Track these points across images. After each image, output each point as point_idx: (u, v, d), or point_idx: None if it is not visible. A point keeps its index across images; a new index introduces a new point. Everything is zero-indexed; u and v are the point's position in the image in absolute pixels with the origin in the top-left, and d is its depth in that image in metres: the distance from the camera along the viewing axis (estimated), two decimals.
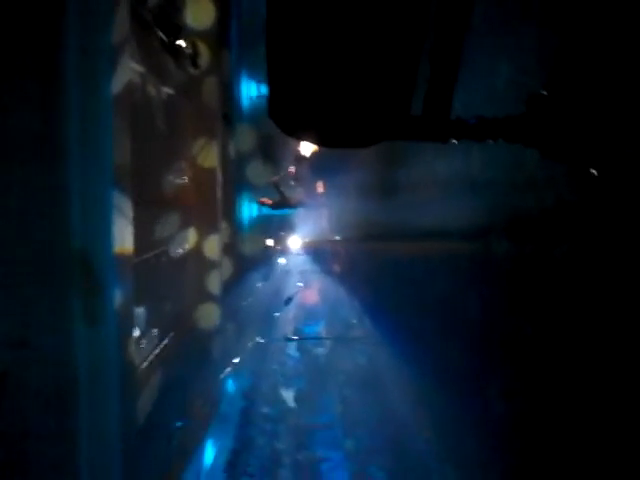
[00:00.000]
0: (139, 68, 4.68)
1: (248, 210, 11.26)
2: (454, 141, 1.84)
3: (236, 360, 6.93)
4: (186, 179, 6.54)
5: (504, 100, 2.82)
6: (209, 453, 6.00)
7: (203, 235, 6.92)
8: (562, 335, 2.40)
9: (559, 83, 2.12)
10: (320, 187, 13.26)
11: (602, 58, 2.02)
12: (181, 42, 5.57)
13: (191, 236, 6.70)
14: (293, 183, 13.50)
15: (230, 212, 8.56)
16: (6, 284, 2.84)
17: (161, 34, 5.10)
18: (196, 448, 5.55)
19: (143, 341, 4.67)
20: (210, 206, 7.08)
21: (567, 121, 1.86)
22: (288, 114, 1.70)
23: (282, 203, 12.54)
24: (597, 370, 2.15)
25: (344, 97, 1.64)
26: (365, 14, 1.58)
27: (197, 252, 6.86)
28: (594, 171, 1.90)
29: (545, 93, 1.90)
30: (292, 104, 1.68)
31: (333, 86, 1.62)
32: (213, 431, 6.22)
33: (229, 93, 8.56)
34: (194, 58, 6.14)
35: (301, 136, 2.05)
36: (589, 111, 1.90)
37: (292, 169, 13.28)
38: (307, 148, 12.11)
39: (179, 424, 5.22)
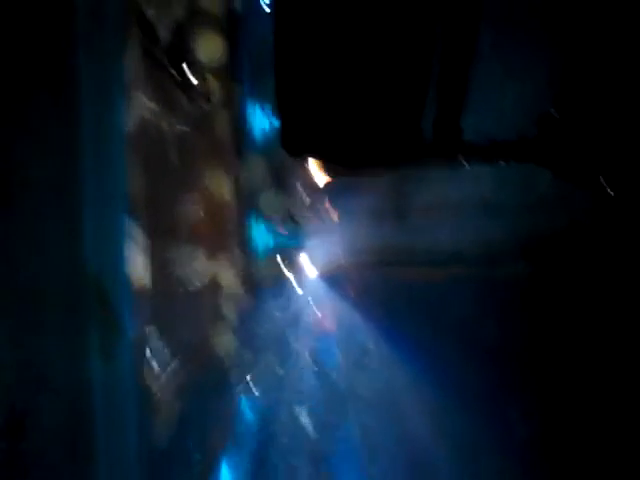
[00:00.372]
0: (151, 104, 4.75)
1: (263, 239, 11.29)
2: (465, 163, 1.84)
3: (253, 388, 6.88)
4: (200, 210, 6.58)
5: (514, 122, 2.83)
6: (225, 476, 5.94)
7: (218, 264, 6.93)
8: (581, 356, 2.37)
9: (569, 103, 2.13)
10: (334, 215, 13.28)
11: (611, 78, 2.02)
12: (192, 78, 5.65)
13: (206, 265, 6.71)
14: (307, 211, 13.53)
15: (245, 241, 8.59)
16: (23, 320, 2.85)
17: (173, 70, 5.19)
18: (213, 475, 5.50)
19: (159, 370, 4.65)
20: (225, 236, 7.11)
21: (578, 141, 1.87)
22: (299, 143, 1.72)
23: (297, 232, 12.57)
24: (614, 390, 2.12)
25: (355, 123, 1.66)
26: (374, 41, 1.60)
27: (213, 282, 6.86)
28: (610, 190, 1.89)
29: (555, 114, 1.91)
30: (303, 132, 1.70)
31: (344, 112, 1.64)
32: (230, 458, 6.17)
33: (241, 126, 8.66)
34: (206, 93, 6.23)
35: (313, 164, 2.07)
36: (600, 130, 1.90)
37: (306, 197, 13.33)
38: (321, 177, 12.15)
39: (197, 456, 5.18)
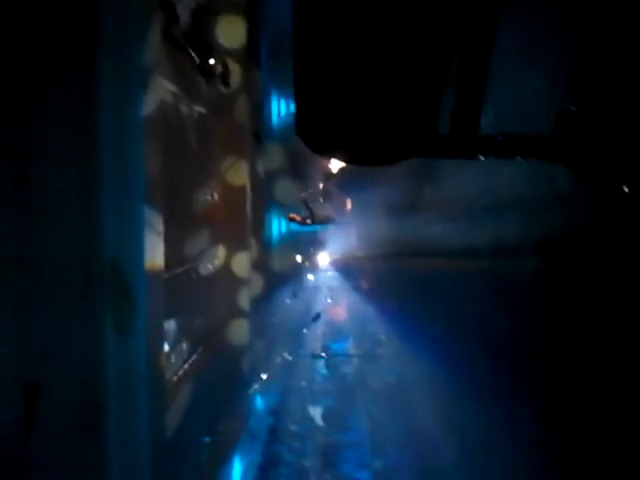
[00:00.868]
0: (171, 87, 4.77)
1: (277, 226, 11.32)
2: (481, 158, 1.84)
3: (264, 376, 6.93)
4: (216, 196, 6.61)
5: (533, 116, 2.81)
6: (237, 469, 6.00)
7: (232, 251, 6.96)
8: (594, 354, 2.37)
9: (589, 99, 2.11)
10: (348, 204, 13.28)
11: (634, 71, 2.00)
12: (212, 61, 5.65)
13: (220, 252, 6.75)
14: (322, 200, 13.54)
15: (259, 228, 8.61)
16: (38, 297, 2.89)
17: (193, 53, 5.19)
18: (224, 464, 5.55)
19: (172, 355, 4.70)
20: (239, 222, 7.14)
21: (598, 138, 1.85)
22: (315, 132, 1.72)
23: (311, 220, 12.58)
24: (629, 389, 2.11)
25: (371, 114, 1.66)
26: (392, 31, 1.59)
27: (226, 268, 6.90)
28: (626, 188, 1.88)
29: (575, 109, 1.89)
30: (319, 122, 1.70)
31: (360, 103, 1.64)
32: (241, 447, 6.22)
33: (259, 111, 8.65)
34: (225, 77, 6.23)
35: (328, 154, 2.07)
36: (621, 127, 1.88)
37: (321, 186, 13.34)
38: (335, 165, 12.15)
39: (207, 439, 5.23)
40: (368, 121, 1.65)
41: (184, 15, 4.94)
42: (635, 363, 2.09)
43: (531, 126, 1.91)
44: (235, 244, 7.01)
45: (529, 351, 3.17)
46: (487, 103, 1.80)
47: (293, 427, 7.73)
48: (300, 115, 1.73)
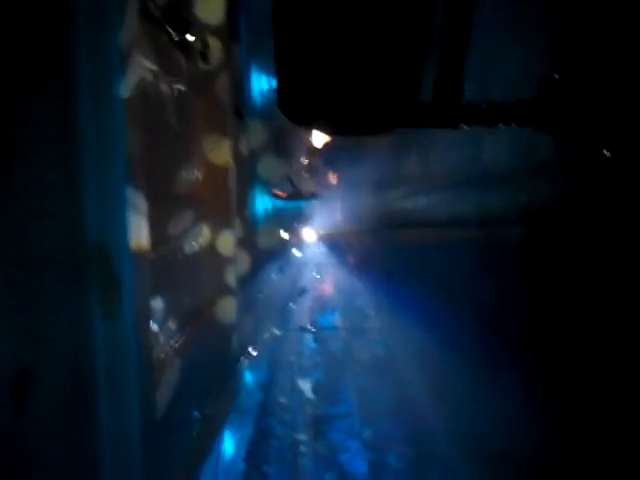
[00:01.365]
0: (150, 65, 4.69)
1: (262, 203, 11.28)
2: (465, 127, 1.83)
3: (253, 351, 6.97)
4: (199, 174, 6.56)
5: (515, 84, 2.80)
6: (229, 443, 6.06)
7: (217, 229, 6.94)
8: (579, 325, 2.39)
9: (571, 66, 2.10)
10: (333, 178, 13.25)
11: (615, 39, 2.00)
12: (191, 37, 5.57)
13: (205, 230, 6.73)
14: (306, 175, 13.51)
15: (244, 205, 8.58)
16: (23, 280, 2.87)
17: (170, 30, 5.11)
18: (216, 439, 5.60)
19: (160, 334, 4.71)
20: (224, 200, 7.10)
21: (580, 104, 1.85)
22: (297, 104, 1.71)
23: (296, 195, 12.55)
24: (614, 361, 2.15)
25: (352, 85, 1.64)
26: (373, 7, 1.58)
27: (212, 246, 6.89)
28: (607, 153, 1.88)
29: (557, 76, 1.89)
30: (301, 94, 1.68)
31: (341, 74, 1.62)
32: (232, 422, 6.27)
33: (240, 87, 8.56)
34: (204, 53, 6.15)
35: (310, 125, 2.06)
36: (603, 94, 1.89)
37: (305, 161, 13.29)
38: (319, 140, 12.09)
39: (198, 415, 5.27)
40: (350, 91, 1.64)
41: None
42: (622, 330, 2.12)
43: (513, 94, 1.91)
44: (220, 222, 6.99)
45: (516, 320, 3.20)
46: (469, 72, 1.79)
47: (283, 400, 7.80)
48: (281, 88, 1.71)
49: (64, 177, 2.97)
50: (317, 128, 2.14)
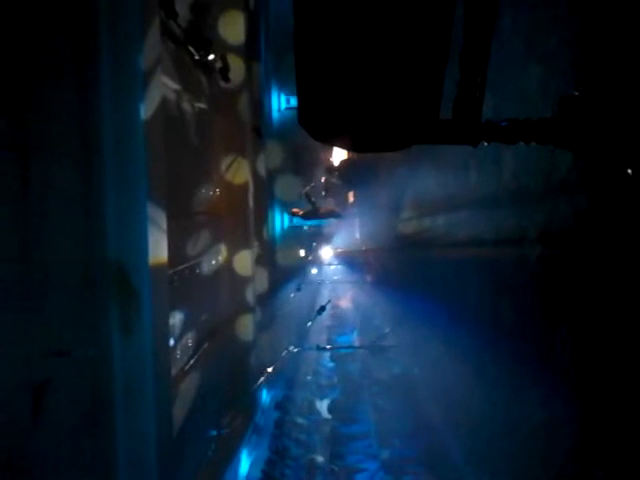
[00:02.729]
0: (171, 83, 4.76)
1: (280, 221, 11.32)
2: (485, 144, 1.83)
3: (270, 369, 6.95)
4: (219, 192, 6.61)
5: (535, 102, 2.80)
6: (244, 462, 6.01)
7: (236, 246, 6.97)
8: (598, 343, 2.36)
9: (592, 82, 2.10)
10: (350, 197, 13.27)
11: (636, 55, 1.99)
12: (212, 56, 5.64)
13: (224, 247, 6.75)
14: (324, 194, 13.54)
15: (262, 223, 8.61)
16: (45, 295, 2.89)
17: (192, 49, 5.18)
18: (232, 457, 5.57)
19: (178, 351, 4.71)
20: (242, 218, 7.13)
21: (601, 121, 1.84)
22: (318, 120, 1.72)
23: (313, 213, 12.57)
24: (634, 378, 2.11)
25: (374, 101, 1.65)
26: (394, 19, 1.59)
27: (230, 264, 6.91)
28: (630, 171, 1.87)
29: (577, 93, 1.89)
30: (322, 110, 1.69)
31: (363, 91, 1.63)
32: (248, 441, 6.24)
33: (259, 106, 8.64)
34: (225, 72, 6.22)
35: (331, 141, 2.07)
36: (622, 111, 1.87)
37: (323, 179, 13.33)
38: (337, 159, 12.13)
39: (214, 433, 5.25)
40: (370, 108, 1.64)
41: (182, 10, 4.93)
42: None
43: (533, 111, 1.91)
44: (238, 240, 7.01)
45: (535, 339, 3.16)
46: (489, 89, 1.79)
47: (300, 420, 7.75)
48: (302, 104, 1.72)
49: (85, 193, 3.00)
50: (337, 144, 2.15)
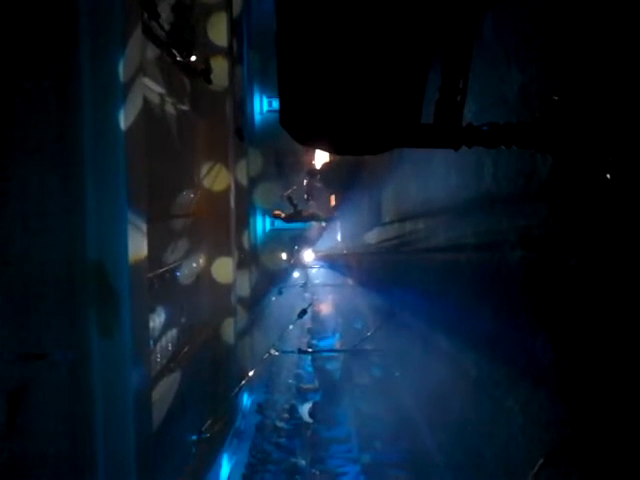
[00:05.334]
0: (152, 85, 4.73)
1: (262, 224, 11.29)
2: (466, 147, 1.84)
3: (251, 373, 6.92)
4: (200, 195, 6.58)
5: (516, 107, 2.82)
6: (225, 467, 5.98)
7: (217, 249, 6.94)
8: (577, 348, 2.38)
9: (571, 87, 2.12)
10: (333, 200, 13.27)
11: (612, 61, 2.01)
12: (194, 58, 5.62)
13: (206, 250, 6.72)
14: (306, 197, 13.52)
15: (244, 226, 8.59)
16: (23, 298, 2.86)
17: (174, 51, 5.16)
18: (212, 461, 5.54)
19: (158, 354, 4.68)
20: (224, 220, 7.11)
21: (580, 125, 1.86)
22: (299, 121, 1.71)
23: (295, 216, 12.55)
24: (612, 383, 2.13)
25: (355, 104, 1.65)
26: (376, 22, 1.59)
27: (211, 267, 6.88)
28: (608, 175, 1.89)
29: (557, 98, 1.90)
30: (303, 111, 1.69)
31: (345, 93, 1.63)
32: (229, 445, 6.21)
33: (242, 108, 8.63)
34: (207, 74, 6.20)
35: (312, 143, 2.06)
36: (602, 115, 1.90)
37: (305, 182, 13.32)
38: (319, 162, 12.13)
39: (195, 437, 5.21)
40: (352, 110, 1.65)
41: (165, 12, 4.91)
42: (621, 353, 2.10)
43: (514, 115, 1.93)
44: (219, 242, 6.99)
45: (515, 342, 3.19)
46: (470, 93, 1.80)
47: (280, 424, 7.73)
48: (284, 106, 1.72)
49: (66, 195, 2.97)
50: (319, 146, 2.14)
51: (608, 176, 1.83)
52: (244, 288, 8.17)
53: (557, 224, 2.57)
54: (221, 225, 7.06)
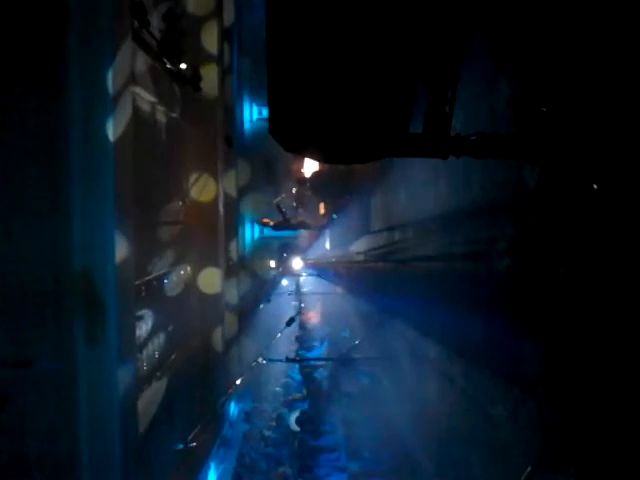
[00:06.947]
0: (141, 92, 4.72)
1: (250, 231, 11.27)
2: (454, 157, 1.85)
3: (239, 381, 6.89)
4: (190, 202, 6.56)
5: (503, 117, 2.84)
6: (212, 475, 5.94)
7: (206, 257, 6.92)
8: (565, 355, 2.39)
9: (559, 99, 2.14)
10: (322, 208, 13.28)
11: (599, 73, 2.03)
12: (183, 65, 5.61)
13: (194, 258, 6.70)
14: (295, 205, 13.52)
15: (232, 234, 8.57)
16: (10, 305, 2.84)
17: (164, 58, 5.15)
18: (199, 470, 5.50)
19: (145, 362, 4.65)
20: (213, 228, 7.09)
21: (567, 136, 1.88)
22: (289, 130, 1.72)
23: (284, 224, 12.54)
24: (601, 390, 2.14)
25: (345, 113, 1.66)
26: (365, 34, 1.60)
27: (200, 275, 6.85)
28: (595, 185, 1.91)
29: (545, 109, 1.92)
30: (293, 120, 1.69)
31: (333, 102, 1.64)
32: (216, 453, 6.16)
33: (231, 116, 8.63)
34: (196, 81, 6.19)
35: (302, 151, 2.06)
36: (588, 126, 1.91)
37: (294, 190, 13.32)
38: (308, 170, 12.14)
39: (182, 445, 5.17)
40: (341, 119, 1.65)
41: (155, 20, 4.90)
42: (609, 360, 2.12)
43: (501, 126, 1.94)
44: (208, 250, 6.97)
45: (503, 351, 3.19)
46: (458, 103, 1.81)
47: (268, 433, 7.70)
48: (274, 114, 1.72)
49: (52, 204, 2.96)
50: (308, 154, 2.15)
51: (595, 186, 1.85)
52: (232, 296, 8.14)
53: (545, 233, 2.59)
54: (210, 232, 7.04)
